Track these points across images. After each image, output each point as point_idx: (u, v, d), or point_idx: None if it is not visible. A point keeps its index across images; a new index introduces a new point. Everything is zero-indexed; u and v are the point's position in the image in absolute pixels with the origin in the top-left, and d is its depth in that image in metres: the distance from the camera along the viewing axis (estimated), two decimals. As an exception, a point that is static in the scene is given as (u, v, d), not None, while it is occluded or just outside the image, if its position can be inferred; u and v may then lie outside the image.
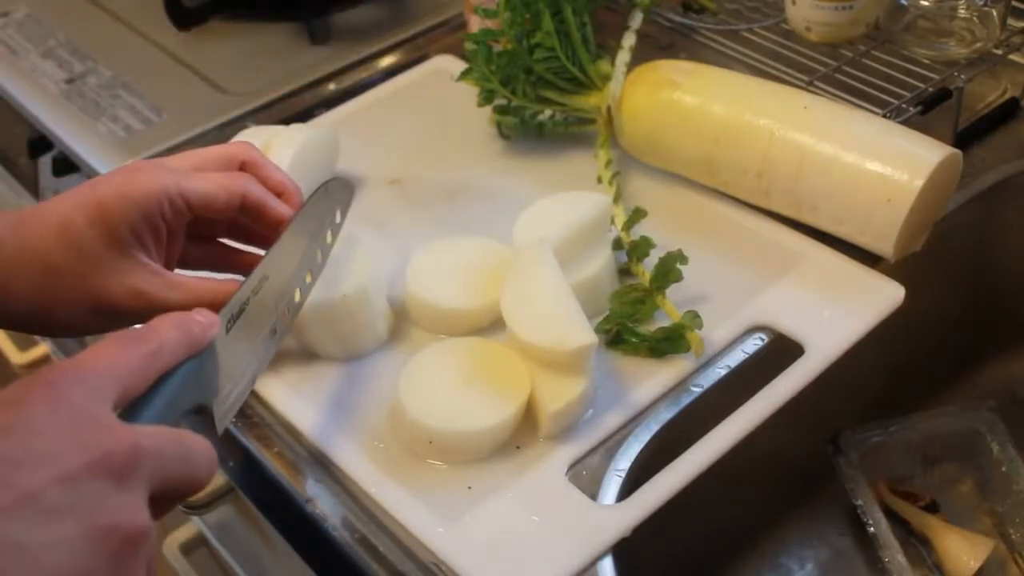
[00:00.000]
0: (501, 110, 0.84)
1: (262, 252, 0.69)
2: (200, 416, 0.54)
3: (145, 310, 0.63)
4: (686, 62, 0.79)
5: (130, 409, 0.47)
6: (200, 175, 0.64)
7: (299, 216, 0.63)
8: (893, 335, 0.69)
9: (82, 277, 0.61)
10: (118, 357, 0.47)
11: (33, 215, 0.62)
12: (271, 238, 0.66)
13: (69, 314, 0.62)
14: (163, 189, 0.61)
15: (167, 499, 0.45)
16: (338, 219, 0.68)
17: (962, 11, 0.82)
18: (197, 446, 0.47)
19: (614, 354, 0.68)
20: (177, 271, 0.66)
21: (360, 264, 0.68)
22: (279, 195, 0.66)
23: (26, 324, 0.64)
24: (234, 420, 0.64)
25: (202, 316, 0.54)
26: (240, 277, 0.67)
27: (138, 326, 0.51)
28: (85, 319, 0.63)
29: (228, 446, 0.66)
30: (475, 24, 0.88)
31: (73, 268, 0.61)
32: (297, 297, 0.64)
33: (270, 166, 0.67)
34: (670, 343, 0.66)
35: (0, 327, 0.63)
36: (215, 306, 0.65)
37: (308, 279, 0.64)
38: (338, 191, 0.68)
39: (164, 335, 0.50)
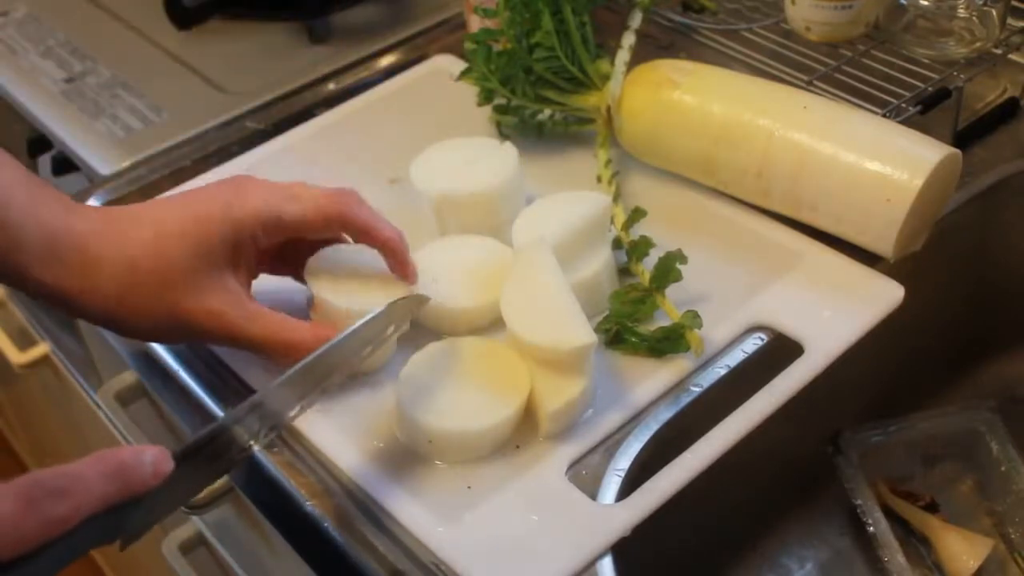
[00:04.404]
0: (501, 110, 0.84)
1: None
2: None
3: (220, 332, 0.64)
4: (686, 62, 0.79)
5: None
6: (299, 197, 0.64)
7: (317, 357, 0.59)
8: (893, 335, 0.69)
9: (166, 287, 0.62)
10: (13, 521, 0.43)
11: (126, 218, 0.63)
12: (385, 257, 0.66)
13: (146, 321, 0.63)
14: (259, 213, 0.62)
15: None
16: (389, 331, 0.63)
17: (962, 11, 0.82)
18: None
19: (614, 354, 0.68)
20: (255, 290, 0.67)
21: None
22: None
23: (103, 322, 0.64)
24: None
25: (153, 456, 0.49)
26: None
27: (66, 470, 0.45)
28: (162, 329, 0.64)
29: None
30: (475, 24, 0.88)
31: (159, 277, 0.61)
32: (257, 443, 0.59)
33: (373, 220, 0.66)
34: (670, 343, 0.66)
35: (76, 317, 0.64)
36: (289, 348, 0.63)
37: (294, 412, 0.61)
38: (398, 311, 0.63)
39: (87, 491, 0.45)
